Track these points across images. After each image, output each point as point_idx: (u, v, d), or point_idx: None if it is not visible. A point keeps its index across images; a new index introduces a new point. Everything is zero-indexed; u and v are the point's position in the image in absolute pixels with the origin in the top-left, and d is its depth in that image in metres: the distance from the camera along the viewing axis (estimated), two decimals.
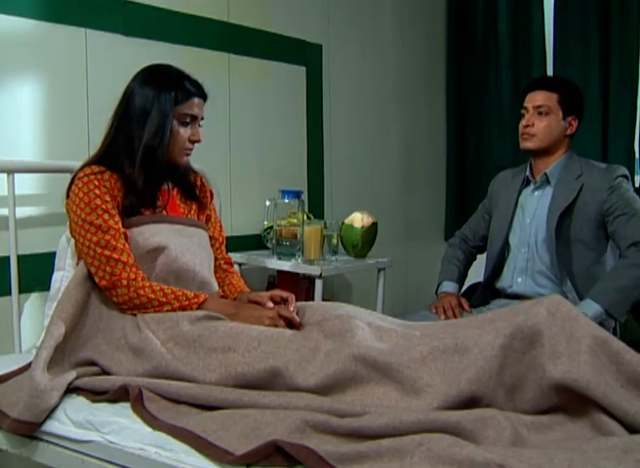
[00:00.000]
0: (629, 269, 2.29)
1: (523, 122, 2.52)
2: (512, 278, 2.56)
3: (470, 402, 1.43)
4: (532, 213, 2.54)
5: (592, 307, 2.25)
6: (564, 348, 1.41)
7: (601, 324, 2.29)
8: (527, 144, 2.51)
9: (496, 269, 2.61)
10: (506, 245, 2.60)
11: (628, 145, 3.41)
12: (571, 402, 1.40)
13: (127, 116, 1.92)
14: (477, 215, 2.82)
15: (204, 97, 1.98)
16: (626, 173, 2.45)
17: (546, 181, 2.53)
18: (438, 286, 2.71)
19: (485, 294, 2.63)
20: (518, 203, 2.59)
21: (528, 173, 2.59)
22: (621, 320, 2.34)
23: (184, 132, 1.95)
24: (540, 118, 2.48)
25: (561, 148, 2.52)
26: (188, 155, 2.00)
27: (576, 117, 2.51)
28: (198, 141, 1.98)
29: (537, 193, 2.56)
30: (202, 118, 2.00)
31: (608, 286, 2.30)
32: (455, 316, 2.47)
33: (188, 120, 1.94)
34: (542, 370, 1.41)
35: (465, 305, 2.55)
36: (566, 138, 2.52)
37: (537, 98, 2.50)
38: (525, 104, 2.53)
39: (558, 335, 1.43)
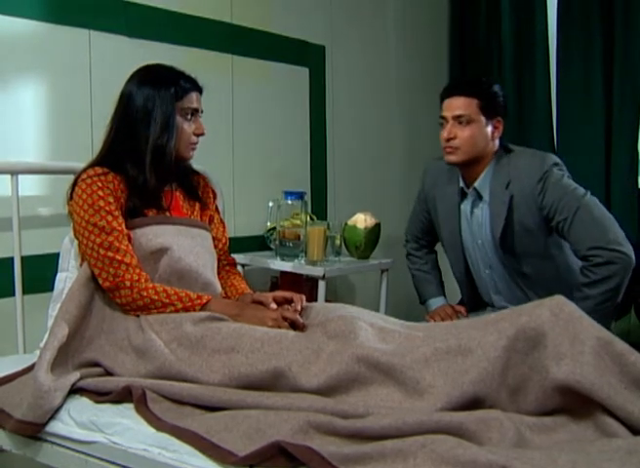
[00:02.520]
0: (594, 288, 2.19)
1: (444, 134, 2.32)
2: (489, 296, 2.50)
3: (473, 403, 1.43)
4: (480, 233, 2.40)
5: None
6: (567, 349, 1.41)
7: None
8: (451, 158, 2.32)
9: (471, 288, 2.55)
10: (468, 264, 2.50)
11: (631, 146, 3.40)
12: (574, 403, 1.40)
13: (128, 118, 1.92)
14: (416, 216, 2.70)
15: (200, 90, 2.00)
16: (553, 162, 2.28)
17: (478, 197, 2.38)
18: (424, 303, 2.65)
19: (473, 307, 2.59)
20: (461, 220, 2.45)
21: (462, 184, 2.42)
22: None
23: (188, 126, 1.96)
24: (462, 128, 2.29)
25: (489, 154, 2.34)
26: (194, 149, 2.01)
27: (500, 118, 2.34)
28: (203, 134, 1.99)
29: (476, 210, 2.41)
30: (202, 111, 2.01)
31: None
32: (455, 313, 2.47)
33: (190, 114, 1.96)
34: (546, 371, 1.41)
35: (462, 310, 2.53)
36: (493, 142, 2.35)
37: (455, 107, 2.30)
38: (443, 113, 2.34)
39: (561, 337, 1.43)
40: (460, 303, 2.63)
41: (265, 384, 1.58)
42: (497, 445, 1.28)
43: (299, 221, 2.73)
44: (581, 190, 2.26)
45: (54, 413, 1.62)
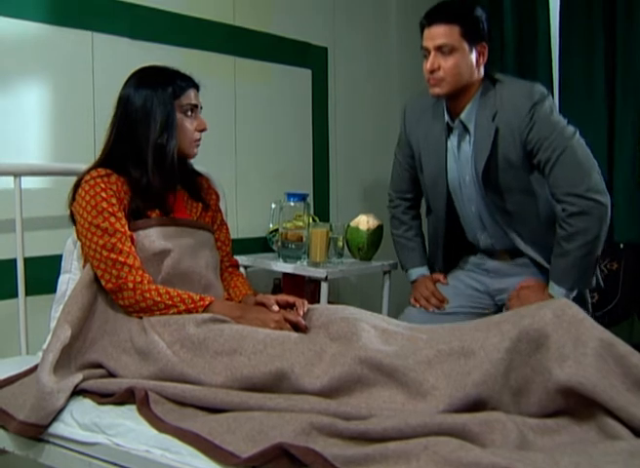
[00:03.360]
0: (572, 242, 2.16)
1: (427, 65, 2.21)
2: (475, 235, 2.42)
3: (476, 405, 1.43)
4: (467, 168, 2.31)
5: (558, 291, 2.20)
6: (570, 351, 1.41)
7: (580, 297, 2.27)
8: (436, 90, 2.22)
9: (454, 228, 2.45)
10: (450, 205, 2.41)
11: (634, 143, 3.39)
12: (577, 405, 1.40)
13: (128, 120, 1.92)
14: (399, 167, 2.58)
15: (197, 86, 2.01)
16: (541, 92, 2.20)
17: (465, 130, 2.29)
18: (406, 271, 2.60)
19: (455, 252, 2.53)
20: (448, 155, 2.34)
21: (447, 118, 2.32)
22: (591, 287, 2.28)
23: (190, 123, 1.96)
24: (445, 58, 2.18)
25: (475, 84, 2.25)
26: (198, 146, 2.01)
27: (485, 43, 2.23)
28: (205, 130, 2.00)
29: (463, 145, 2.31)
30: (201, 107, 2.01)
31: (561, 266, 2.20)
32: (438, 301, 2.41)
33: (190, 111, 1.96)
34: (549, 373, 1.41)
35: (441, 278, 2.47)
36: (478, 70, 2.25)
37: (436, 36, 2.18)
38: (424, 44, 2.23)
39: (564, 338, 1.43)
40: (434, 261, 2.56)
41: (268, 386, 1.58)
42: (499, 447, 1.28)
43: (301, 223, 2.73)
44: (570, 130, 2.20)
45: (56, 415, 1.62)
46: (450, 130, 2.34)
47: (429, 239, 2.58)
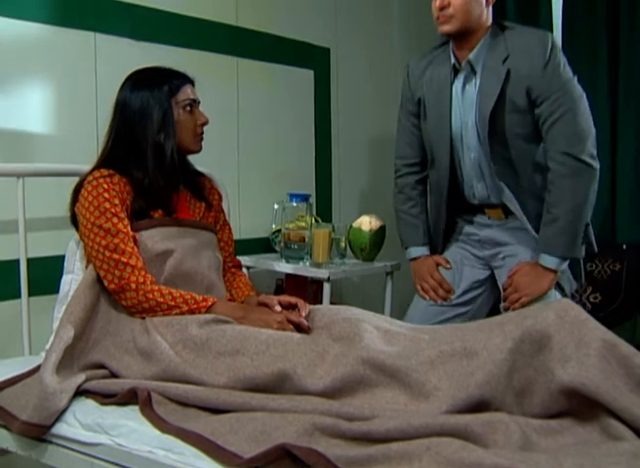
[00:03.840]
0: (560, 206, 2.16)
1: (436, 3, 2.19)
2: (471, 186, 2.37)
3: (479, 406, 1.43)
4: (471, 111, 2.27)
5: (550, 261, 2.20)
6: (573, 352, 1.40)
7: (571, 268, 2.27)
8: (445, 28, 2.20)
9: (455, 183, 2.40)
10: (453, 151, 2.35)
11: (636, 147, 3.39)
12: (580, 406, 1.40)
13: (126, 123, 1.94)
14: (403, 130, 2.52)
15: (192, 82, 2.02)
16: (555, 42, 2.18)
17: (472, 71, 2.26)
18: (405, 248, 2.55)
19: (455, 215, 2.48)
20: (453, 100, 2.31)
21: (454, 60, 2.29)
22: (582, 256, 2.25)
23: (191, 118, 1.97)
24: None
25: (484, 25, 2.24)
26: (202, 140, 2.02)
27: None
28: (206, 123, 2.01)
29: (468, 87, 2.28)
30: (199, 102, 2.02)
31: (551, 234, 2.19)
32: (445, 292, 2.39)
33: (189, 106, 1.97)
34: (552, 373, 1.41)
35: (443, 262, 2.43)
36: (487, 10, 2.24)
37: None
38: None
39: (567, 339, 1.43)
40: (437, 223, 2.50)
41: (271, 386, 1.58)
42: (502, 447, 1.28)
43: (304, 224, 2.73)
44: (579, 90, 2.20)
45: (59, 415, 1.62)
46: (456, 73, 2.31)
47: (432, 200, 2.52)
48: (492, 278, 2.43)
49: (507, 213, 2.35)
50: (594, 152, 2.18)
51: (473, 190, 2.38)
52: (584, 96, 2.21)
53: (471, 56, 2.25)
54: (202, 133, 2.01)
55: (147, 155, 1.91)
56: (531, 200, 2.28)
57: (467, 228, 2.47)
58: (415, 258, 2.52)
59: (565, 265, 2.22)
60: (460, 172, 2.38)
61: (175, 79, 1.97)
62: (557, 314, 1.48)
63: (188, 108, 1.97)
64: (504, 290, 2.29)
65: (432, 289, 2.42)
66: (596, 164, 2.17)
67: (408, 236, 2.55)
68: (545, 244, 2.21)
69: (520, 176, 2.27)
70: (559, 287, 2.30)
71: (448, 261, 2.44)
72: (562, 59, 2.19)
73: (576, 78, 2.21)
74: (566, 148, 2.15)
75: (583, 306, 3.15)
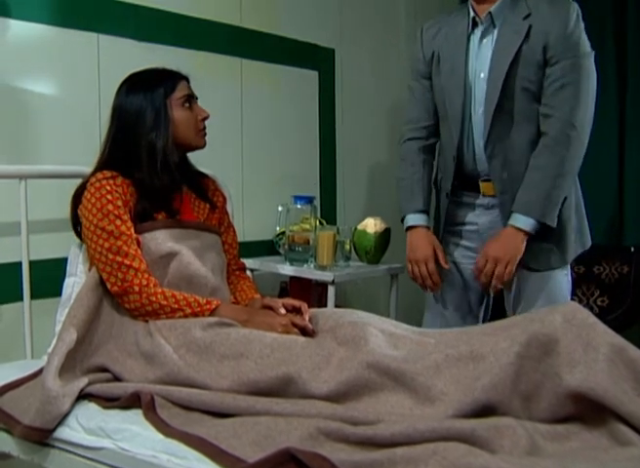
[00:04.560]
0: (547, 170, 2.14)
1: None
2: (475, 142, 2.29)
3: (486, 410, 1.42)
4: (485, 64, 2.24)
5: (524, 221, 2.16)
6: (580, 356, 1.40)
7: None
8: None
9: (461, 137, 2.31)
10: (465, 105, 2.29)
11: None
12: (588, 411, 1.39)
13: (123, 127, 1.95)
14: (413, 95, 2.44)
15: (186, 78, 2.03)
16: (579, 13, 2.18)
17: (492, 24, 2.24)
18: (402, 219, 2.41)
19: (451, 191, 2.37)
20: (469, 53, 2.28)
21: (473, 14, 2.27)
22: (553, 224, 2.19)
23: (190, 115, 1.99)
24: None
25: None
26: (205, 135, 2.03)
27: None
28: (207, 117, 2.02)
29: (485, 40, 2.26)
30: (197, 97, 2.04)
31: (533, 195, 2.16)
32: (433, 285, 2.33)
33: (187, 102, 1.98)
34: (559, 378, 1.41)
35: (442, 259, 2.31)
36: None
37: None
38: None
39: (574, 343, 1.43)
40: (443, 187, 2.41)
41: (275, 390, 1.58)
42: (509, 452, 1.28)
43: (308, 226, 2.73)
44: (592, 67, 2.21)
45: (62, 419, 1.63)
46: (474, 26, 2.30)
47: (440, 163, 2.45)
48: None
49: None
50: (588, 130, 2.18)
51: (474, 148, 2.30)
52: (595, 76, 2.21)
53: (493, 8, 2.23)
54: (204, 128, 2.02)
55: (141, 156, 1.92)
56: (518, 167, 2.24)
57: (471, 216, 2.38)
58: (411, 228, 2.39)
59: (536, 227, 2.17)
60: (469, 131, 2.31)
61: (168, 79, 1.98)
62: (564, 317, 1.47)
63: (187, 105, 1.98)
64: (477, 268, 2.23)
65: (422, 277, 2.34)
66: (586, 140, 2.18)
67: (406, 202, 2.41)
68: (524, 204, 2.17)
69: (518, 143, 2.24)
70: (560, 253, 2.26)
71: (447, 261, 2.35)
72: (583, 31, 2.19)
73: (593, 55, 2.21)
74: (565, 115, 2.15)
75: (591, 309, 3.14)
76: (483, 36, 2.27)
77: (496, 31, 2.24)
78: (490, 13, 2.24)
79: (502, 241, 2.19)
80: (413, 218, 2.38)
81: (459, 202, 2.39)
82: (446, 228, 2.42)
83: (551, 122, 2.17)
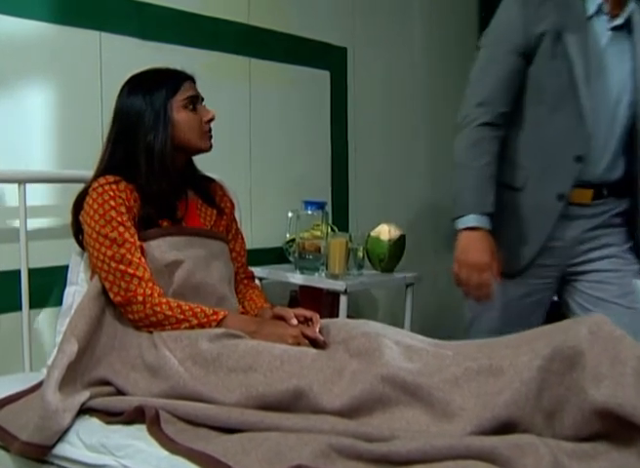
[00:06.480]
0: None
1: None
2: (601, 160, 2.06)
3: (506, 427, 1.42)
4: (616, 68, 2.03)
5: None
6: (607, 370, 1.39)
7: None
8: None
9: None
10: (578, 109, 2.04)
11: None
12: (615, 428, 1.38)
13: (124, 130, 1.96)
14: (500, 71, 2.12)
15: (191, 78, 2.03)
16: None
17: (628, 25, 2.01)
18: (458, 218, 2.08)
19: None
20: (589, 49, 2.03)
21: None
22: None
23: (194, 117, 1.98)
24: None
25: None
26: (211, 137, 2.03)
27: None
28: (213, 119, 2.01)
29: (615, 41, 2.04)
30: (202, 98, 2.03)
31: None
32: (485, 297, 2.06)
33: (191, 104, 1.98)
34: (584, 393, 1.39)
35: (497, 268, 2.03)
36: None
37: None
38: None
39: (601, 356, 1.41)
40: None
41: (285, 405, 1.57)
42: None
43: (319, 233, 2.73)
44: None
45: (62, 435, 1.62)
46: (598, 11, 2.06)
47: (523, 172, 2.14)
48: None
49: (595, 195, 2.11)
50: None
51: (605, 166, 2.08)
52: None
53: (631, 6, 2.04)
54: (210, 130, 2.02)
55: (140, 159, 1.92)
56: None
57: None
58: (469, 229, 2.06)
59: None
60: (587, 121, 2.05)
61: (171, 80, 1.98)
62: (590, 329, 1.46)
63: (190, 106, 1.98)
64: None
65: (474, 285, 2.04)
66: None
67: (473, 198, 2.07)
68: None
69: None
70: None
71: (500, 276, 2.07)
72: None
73: None
74: None
75: None
76: (613, 35, 2.06)
77: (626, 39, 2.06)
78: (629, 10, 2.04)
79: None
80: (478, 220, 2.05)
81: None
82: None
83: None
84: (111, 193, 1.87)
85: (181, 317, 1.81)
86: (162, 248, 1.90)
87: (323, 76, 3.34)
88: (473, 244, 2.05)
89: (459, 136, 2.14)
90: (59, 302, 2.16)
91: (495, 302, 2.12)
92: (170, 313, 1.81)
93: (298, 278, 2.75)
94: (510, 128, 2.13)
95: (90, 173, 2.00)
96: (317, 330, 1.82)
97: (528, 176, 2.13)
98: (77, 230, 1.98)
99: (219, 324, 1.82)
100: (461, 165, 2.11)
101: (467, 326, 2.29)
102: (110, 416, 1.66)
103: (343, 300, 2.61)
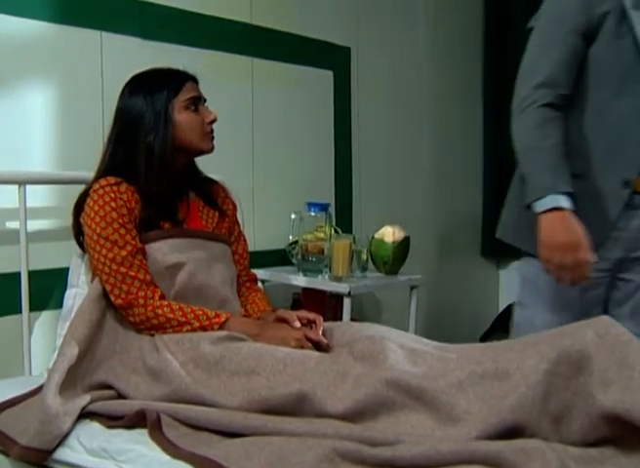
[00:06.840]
0: None
1: None
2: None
3: (512, 431, 1.41)
4: None
5: None
6: (615, 375, 1.38)
7: None
8: None
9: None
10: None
11: None
12: (623, 433, 1.37)
13: (125, 130, 1.96)
14: (564, 51, 2.00)
15: (193, 78, 2.03)
16: None
17: None
18: (537, 200, 1.94)
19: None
20: None
21: None
22: None
23: (196, 117, 1.98)
24: None
25: None
26: (212, 139, 2.02)
27: None
28: (215, 120, 2.01)
29: None
30: (205, 99, 2.03)
31: None
32: (582, 277, 1.93)
33: (193, 104, 1.98)
34: (592, 397, 1.39)
35: (589, 247, 1.91)
36: None
37: None
38: None
39: (608, 360, 1.41)
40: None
41: (288, 409, 1.57)
42: None
43: (322, 235, 2.73)
44: None
45: (62, 439, 1.63)
46: None
47: (589, 161, 2.05)
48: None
49: None
50: None
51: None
52: None
53: None
54: (212, 131, 2.02)
55: (140, 159, 1.92)
56: None
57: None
58: (550, 211, 1.93)
59: None
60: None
61: (173, 80, 1.98)
62: (597, 333, 1.46)
63: (192, 107, 1.97)
64: None
65: (571, 267, 1.91)
66: None
67: (549, 178, 1.95)
68: None
69: None
70: None
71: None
72: None
73: None
74: None
75: None
76: None
77: None
78: None
79: None
80: (559, 200, 1.92)
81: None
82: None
83: None
84: (112, 195, 1.87)
85: (183, 319, 1.80)
86: (163, 250, 1.89)
87: (326, 76, 3.34)
88: (559, 224, 1.93)
89: (519, 119, 2.07)
90: (59, 305, 2.16)
91: (551, 301, 2.06)
92: (171, 316, 1.80)
93: (301, 280, 2.75)
94: (569, 112, 2.04)
95: (91, 174, 2.00)
96: (320, 332, 1.81)
97: (589, 163, 2.04)
98: (78, 232, 1.98)
99: (221, 326, 1.81)
100: (529, 147, 2.04)
101: (515, 326, 2.20)
102: (111, 420, 1.66)
103: (347, 303, 2.61)
